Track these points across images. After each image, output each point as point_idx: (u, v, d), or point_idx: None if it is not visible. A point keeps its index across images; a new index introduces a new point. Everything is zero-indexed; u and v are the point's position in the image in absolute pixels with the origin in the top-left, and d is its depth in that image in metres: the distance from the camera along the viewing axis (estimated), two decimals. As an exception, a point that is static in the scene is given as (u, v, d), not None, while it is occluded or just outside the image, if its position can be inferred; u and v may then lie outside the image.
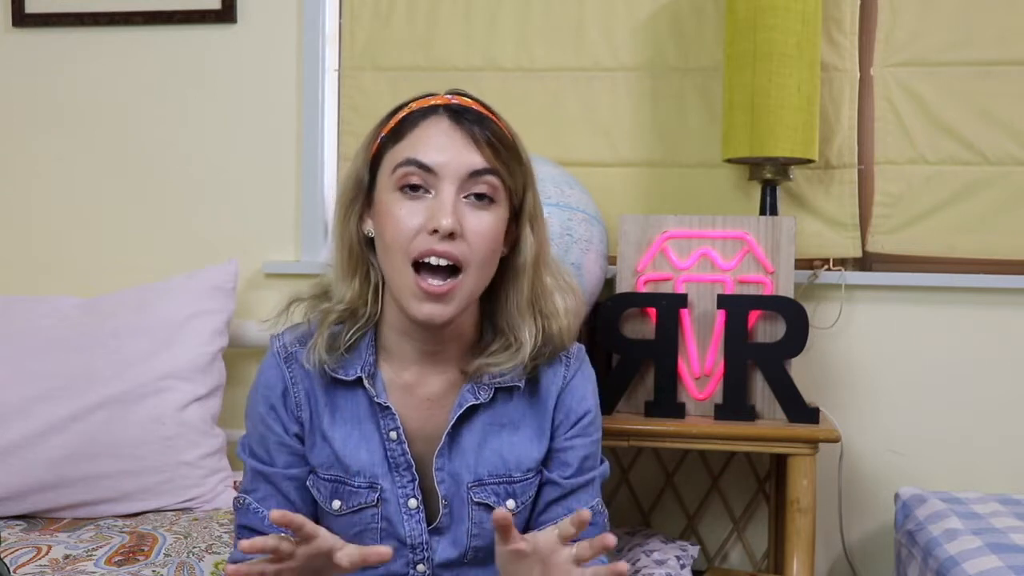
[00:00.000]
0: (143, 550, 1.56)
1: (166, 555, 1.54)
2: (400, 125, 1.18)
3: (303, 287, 1.28)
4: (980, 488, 2.00)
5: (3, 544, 1.55)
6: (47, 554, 1.52)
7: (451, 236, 1.13)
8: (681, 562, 1.78)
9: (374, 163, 1.20)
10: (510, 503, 1.23)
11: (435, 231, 1.12)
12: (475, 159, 1.14)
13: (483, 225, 1.15)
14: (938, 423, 2.06)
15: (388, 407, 1.21)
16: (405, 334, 1.22)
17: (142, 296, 1.96)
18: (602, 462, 1.32)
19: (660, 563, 1.75)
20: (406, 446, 1.21)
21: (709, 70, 2.09)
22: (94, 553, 1.54)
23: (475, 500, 1.22)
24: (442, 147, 1.14)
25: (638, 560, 1.77)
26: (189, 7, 2.21)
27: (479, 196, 1.15)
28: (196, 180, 2.25)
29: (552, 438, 1.27)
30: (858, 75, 2.06)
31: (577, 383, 1.28)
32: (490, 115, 1.19)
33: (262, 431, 1.25)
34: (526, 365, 1.23)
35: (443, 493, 1.22)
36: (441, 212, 1.12)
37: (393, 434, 1.21)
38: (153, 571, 1.47)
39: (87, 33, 2.26)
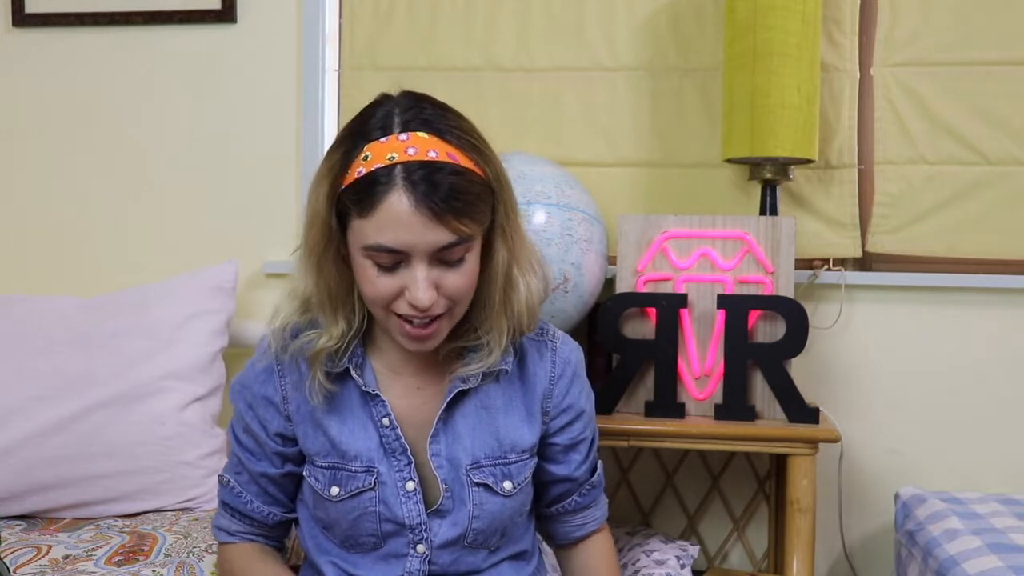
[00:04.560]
0: (143, 550, 1.56)
1: (166, 555, 1.54)
2: (361, 188, 1.10)
3: (287, 306, 1.25)
4: (980, 488, 2.00)
5: (3, 544, 1.55)
6: (47, 554, 1.52)
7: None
8: (681, 562, 1.78)
9: (340, 214, 1.14)
10: (507, 484, 1.25)
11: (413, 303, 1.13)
12: (441, 236, 1.10)
13: (458, 280, 1.14)
14: (938, 423, 2.06)
15: (378, 395, 1.23)
16: (392, 337, 1.23)
17: (142, 296, 1.96)
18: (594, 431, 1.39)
19: (660, 563, 1.75)
20: (399, 431, 1.23)
21: (709, 70, 2.09)
22: (94, 553, 1.54)
23: (475, 481, 1.24)
24: (407, 230, 1.09)
25: (638, 560, 1.77)
26: (189, 7, 2.22)
27: (449, 261, 1.14)
28: (196, 180, 2.25)
29: (551, 433, 1.31)
30: (858, 75, 2.06)
31: (567, 386, 1.32)
32: (449, 161, 1.11)
33: (246, 422, 1.30)
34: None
35: (443, 478, 1.23)
36: (415, 288, 1.12)
37: (385, 420, 1.23)
38: (153, 571, 1.47)
39: (87, 33, 2.26)
